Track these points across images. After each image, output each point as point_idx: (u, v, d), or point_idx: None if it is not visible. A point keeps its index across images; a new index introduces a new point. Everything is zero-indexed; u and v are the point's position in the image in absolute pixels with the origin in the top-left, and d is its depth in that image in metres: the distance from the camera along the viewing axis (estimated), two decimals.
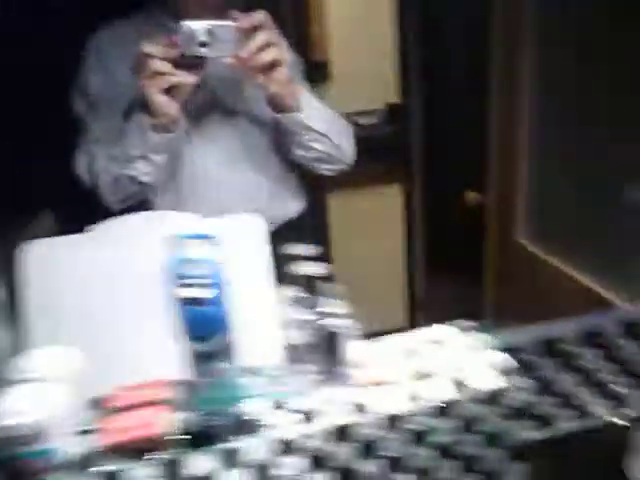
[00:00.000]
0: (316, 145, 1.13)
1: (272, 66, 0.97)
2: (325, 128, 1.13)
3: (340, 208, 2.47)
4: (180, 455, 0.60)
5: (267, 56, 0.95)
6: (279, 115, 1.08)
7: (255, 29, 0.93)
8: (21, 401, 0.61)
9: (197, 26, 0.89)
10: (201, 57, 0.91)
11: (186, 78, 0.93)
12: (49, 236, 0.82)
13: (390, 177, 2.53)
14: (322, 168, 1.20)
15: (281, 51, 0.97)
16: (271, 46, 0.95)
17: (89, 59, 1.11)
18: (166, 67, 0.92)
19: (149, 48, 0.92)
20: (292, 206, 1.28)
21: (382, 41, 2.31)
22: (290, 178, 1.27)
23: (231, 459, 0.60)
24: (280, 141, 1.18)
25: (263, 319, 0.81)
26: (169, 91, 0.93)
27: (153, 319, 0.78)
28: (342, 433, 0.62)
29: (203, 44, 0.89)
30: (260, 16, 0.95)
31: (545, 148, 1.59)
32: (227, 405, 0.66)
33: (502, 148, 1.83)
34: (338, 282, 0.77)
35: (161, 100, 0.94)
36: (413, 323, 2.65)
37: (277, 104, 1.05)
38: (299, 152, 1.15)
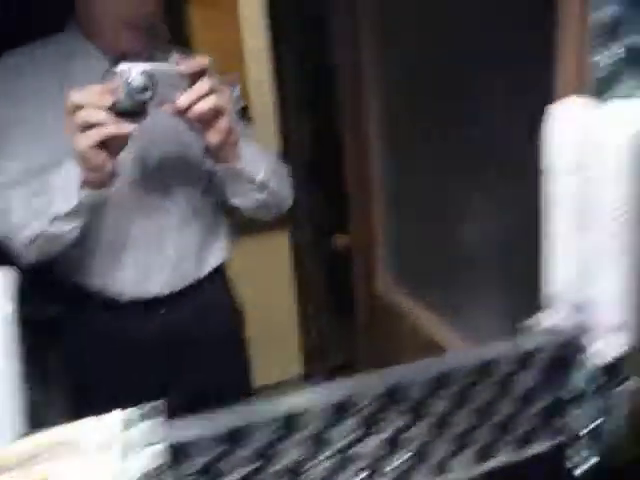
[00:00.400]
0: (256, 195, 1.08)
1: (215, 115, 0.89)
2: (266, 177, 1.07)
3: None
4: None
5: (210, 104, 0.87)
6: (218, 166, 1.01)
7: (198, 74, 0.86)
8: None
9: (136, 69, 0.79)
10: (140, 104, 0.80)
11: (123, 128, 0.81)
12: None
13: (276, 221, 2.48)
14: (259, 215, 1.17)
15: (224, 99, 0.90)
16: (214, 93, 0.87)
17: None
18: (100, 117, 0.79)
19: (79, 97, 0.79)
20: (220, 255, 1.22)
21: None
22: (222, 225, 1.23)
23: None
24: (215, 190, 1.12)
25: None
26: (103, 143, 0.81)
27: None
28: None
29: (143, 89, 0.79)
30: (204, 60, 0.88)
31: (398, 194, 1.61)
32: None
33: (358, 192, 1.87)
34: None
35: (94, 154, 0.81)
36: (309, 372, 2.57)
37: (218, 155, 0.98)
38: (236, 201, 1.09)
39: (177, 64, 0.86)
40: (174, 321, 1.14)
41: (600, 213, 0.70)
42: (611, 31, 0.73)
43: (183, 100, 0.86)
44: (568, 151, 0.73)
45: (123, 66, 0.79)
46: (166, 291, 1.12)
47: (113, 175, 0.87)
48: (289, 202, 1.21)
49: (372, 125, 1.71)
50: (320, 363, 2.60)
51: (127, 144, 0.85)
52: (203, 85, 0.87)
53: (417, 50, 1.30)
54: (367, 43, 1.61)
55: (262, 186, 1.07)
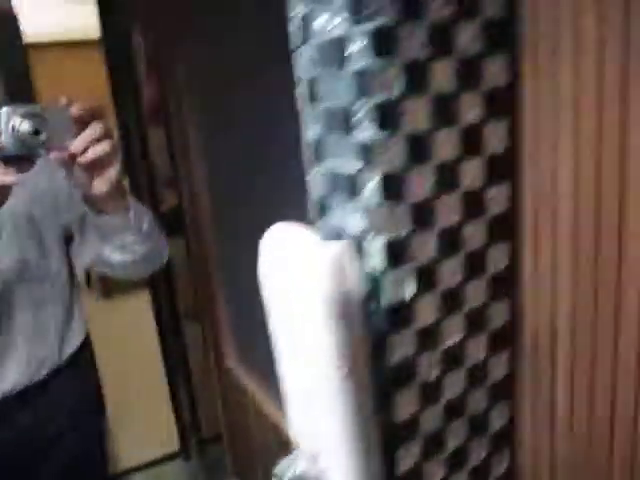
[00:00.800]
0: (139, 247, 1.04)
1: (107, 162, 0.86)
2: (150, 227, 1.04)
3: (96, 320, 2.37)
4: None
5: (105, 149, 0.83)
6: (100, 219, 0.95)
7: (87, 118, 0.81)
8: None
9: (23, 111, 0.72)
10: (29, 150, 0.73)
11: (7, 177, 0.75)
12: None
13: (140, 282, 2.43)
14: (137, 271, 1.11)
15: (115, 146, 0.86)
16: (106, 139, 0.84)
17: None
18: None
19: None
20: (78, 338, 1.17)
21: None
22: (78, 305, 1.18)
23: None
24: (81, 252, 1.09)
25: None
26: None
27: None
28: None
29: (32, 133, 0.72)
30: (93, 103, 0.85)
31: (231, 273, 1.70)
32: None
33: (199, 273, 1.96)
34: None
35: None
36: (186, 447, 2.54)
37: (105, 205, 0.93)
38: (116, 257, 1.04)
39: (66, 106, 0.79)
40: (28, 419, 1.06)
41: (312, 353, 0.67)
42: (316, 153, 0.72)
43: (78, 144, 0.79)
44: (278, 281, 0.71)
45: (7, 109, 0.72)
46: (20, 387, 1.04)
47: None
48: (166, 255, 1.16)
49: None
50: (194, 436, 2.51)
51: (7, 198, 0.79)
52: (97, 128, 0.81)
53: None
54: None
55: (146, 237, 1.04)
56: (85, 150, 0.80)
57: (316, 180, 0.80)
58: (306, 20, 0.72)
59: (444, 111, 0.69)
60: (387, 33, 0.63)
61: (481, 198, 0.74)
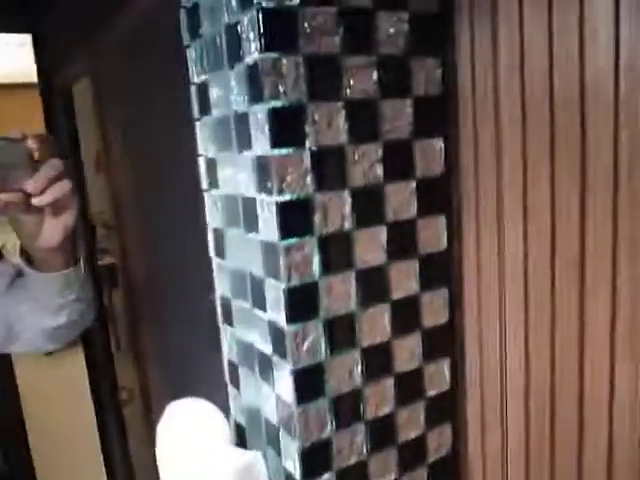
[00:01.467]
0: (77, 305, 0.86)
1: (64, 206, 0.71)
2: (86, 283, 0.88)
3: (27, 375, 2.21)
4: None
5: (64, 190, 0.68)
6: (44, 275, 0.78)
7: (45, 153, 0.67)
8: None
9: None
10: None
11: None
12: None
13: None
14: (69, 337, 0.93)
15: (73, 187, 0.71)
16: (65, 178, 0.69)
17: None
18: None
19: None
20: None
21: None
22: None
23: None
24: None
25: None
26: None
27: None
28: None
29: None
30: (51, 137, 0.72)
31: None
32: None
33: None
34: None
35: None
36: None
37: (51, 259, 0.77)
38: (47, 322, 0.86)
39: (20, 139, 0.65)
40: None
41: None
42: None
43: (37, 184, 0.65)
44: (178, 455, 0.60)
45: None
46: None
47: None
48: (95, 311, 0.98)
49: None
50: None
51: None
52: (56, 165, 0.67)
53: None
54: None
55: (87, 292, 0.88)
56: (42, 191, 0.66)
57: (231, 347, 0.68)
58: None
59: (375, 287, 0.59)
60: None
61: (419, 378, 0.64)
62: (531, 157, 0.56)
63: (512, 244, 0.59)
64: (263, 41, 0.51)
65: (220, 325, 0.71)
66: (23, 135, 0.66)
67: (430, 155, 0.61)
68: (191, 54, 0.66)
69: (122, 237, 1.83)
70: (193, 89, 0.67)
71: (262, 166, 0.54)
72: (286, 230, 0.54)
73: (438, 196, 0.63)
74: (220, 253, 0.68)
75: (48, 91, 2.39)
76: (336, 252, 0.57)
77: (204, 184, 0.69)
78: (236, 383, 0.69)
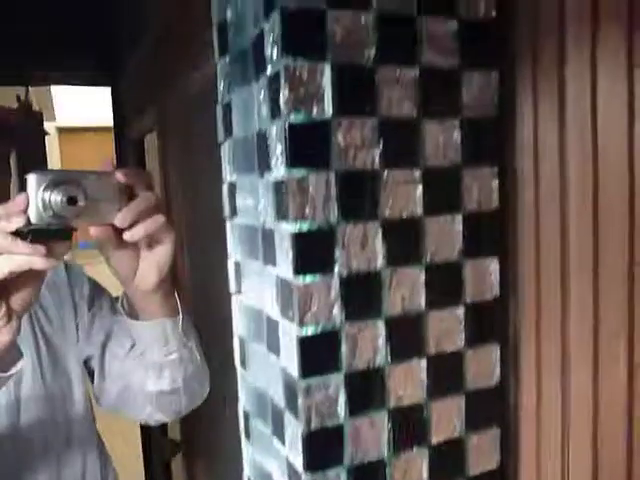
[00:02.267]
0: (179, 370, 0.77)
1: (158, 242, 0.65)
2: (196, 339, 0.80)
3: None
4: None
5: (155, 225, 0.62)
6: (141, 324, 0.73)
7: (137, 187, 0.62)
8: None
9: (53, 176, 0.55)
10: (64, 223, 0.56)
11: (38, 259, 0.56)
12: None
13: None
14: (176, 408, 0.83)
15: (168, 222, 0.65)
16: (159, 212, 0.63)
17: None
18: (4, 243, 0.55)
19: None
20: None
21: None
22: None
23: None
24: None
25: None
26: (3, 291, 0.57)
27: None
28: None
29: (68, 203, 0.55)
30: (145, 172, 0.67)
31: None
32: None
33: None
34: None
35: None
36: None
37: (148, 304, 0.71)
38: (149, 386, 0.79)
39: (109, 172, 0.60)
40: None
41: None
42: None
43: (126, 215, 0.59)
44: None
45: (36, 174, 0.55)
46: None
47: (12, 344, 0.59)
48: (208, 384, 0.87)
49: None
50: None
51: (41, 286, 0.60)
52: (149, 198, 0.61)
53: None
54: None
55: (190, 354, 0.78)
56: (133, 225, 0.62)
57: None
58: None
59: None
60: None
61: None
62: (604, 284, 0.47)
63: (581, 385, 0.50)
64: (289, 156, 0.45)
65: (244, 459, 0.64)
66: (114, 169, 0.62)
67: (482, 277, 0.53)
68: (225, 148, 0.61)
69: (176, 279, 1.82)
70: (225, 187, 0.62)
71: (285, 291, 0.48)
72: (307, 367, 0.47)
73: (491, 324, 0.54)
74: (244, 365, 0.62)
75: (122, 139, 2.48)
76: (366, 390, 0.49)
77: (232, 287, 0.63)
78: None
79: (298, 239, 0.46)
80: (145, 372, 0.78)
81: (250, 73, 0.52)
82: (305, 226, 0.46)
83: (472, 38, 0.50)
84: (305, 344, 0.47)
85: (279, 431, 0.52)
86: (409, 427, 0.51)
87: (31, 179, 0.55)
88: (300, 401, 0.47)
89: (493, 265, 0.53)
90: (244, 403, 0.63)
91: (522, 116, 0.53)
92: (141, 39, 1.78)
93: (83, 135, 4.36)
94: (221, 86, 0.60)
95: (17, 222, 0.55)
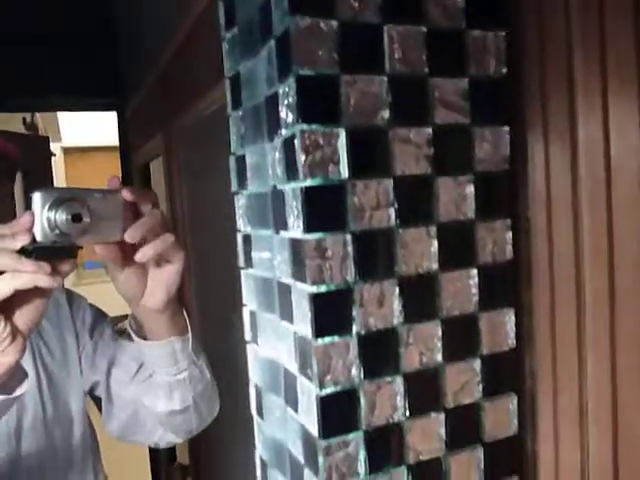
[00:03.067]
0: (189, 389, 0.76)
1: (167, 261, 0.65)
2: (204, 358, 0.78)
3: None
4: None
5: (163, 244, 0.62)
6: (149, 345, 0.72)
7: (143, 205, 0.62)
8: None
9: (57, 194, 0.55)
10: (68, 242, 0.56)
11: (43, 279, 0.55)
12: None
13: None
14: (187, 427, 0.82)
15: (175, 241, 0.64)
16: (167, 231, 0.63)
17: None
18: (8, 261, 0.55)
19: None
20: None
21: None
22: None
23: None
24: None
25: None
26: (8, 310, 0.57)
27: None
28: None
29: (72, 220, 0.55)
30: (151, 192, 0.65)
31: None
32: None
33: None
34: None
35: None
36: None
37: (156, 325, 0.70)
38: (159, 406, 0.78)
39: (114, 190, 0.59)
40: None
41: None
42: None
43: (134, 232, 0.59)
44: None
45: (41, 192, 0.54)
46: None
47: (17, 365, 0.58)
48: (218, 403, 0.86)
49: None
50: None
51: (46, 305, 0.59)
52: (157, 216, 0.61)
53: None
54: None
55: (200, 373, 0.77)
56: (143, 244, 0.61)
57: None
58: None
59: None
60: None
61: None
62: (620, 335, 0.48)
63: (599, 434, 0.50)
64: (306, 218, 0.46)
65: None
66: (120, 187, 0.61)
67: (498, 329, 0.53)
68: (239, 200, 0.62)
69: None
70: (239, 237, 0.63)
71: (304, 350, 0.49)
72: (327, 427, 0.47)
73: (508, 375, 0.54)
74: (260, 414, 0.62)
75: (128, 163, 2.50)
76: (385, 446, 0.49)
77: (247, 335, 0.64)
78: None
79: (317, 300, 0.46)
80: (155, 393, 0.78)
81: (264, 131, 0.53)
82: (323, 287, 0.46)
83: (483, 95, 0.51)
84: (325, 404, 0.47)
85: None
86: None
87: (36, 197, 0.55)
88: (320, 460, 0.47)
89: (509, 316, 0.54)
90: (261, 452, 0.63)
91: (534, 168, 0.54)
92: (149, 67, 1.80)
93: (88, 155, 4.39)
94: (234, 138, 0.61)
95: (22, 240, 0.55)
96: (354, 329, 0.48)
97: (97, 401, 0.92)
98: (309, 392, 0.48)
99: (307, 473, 0.51)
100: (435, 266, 0.50)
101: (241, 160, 0.60)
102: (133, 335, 0.75)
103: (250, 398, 0.65)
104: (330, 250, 0.47)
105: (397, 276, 0.49)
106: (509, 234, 0.53)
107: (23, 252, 0.55)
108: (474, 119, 0.51)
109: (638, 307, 0.46)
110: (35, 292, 0.57)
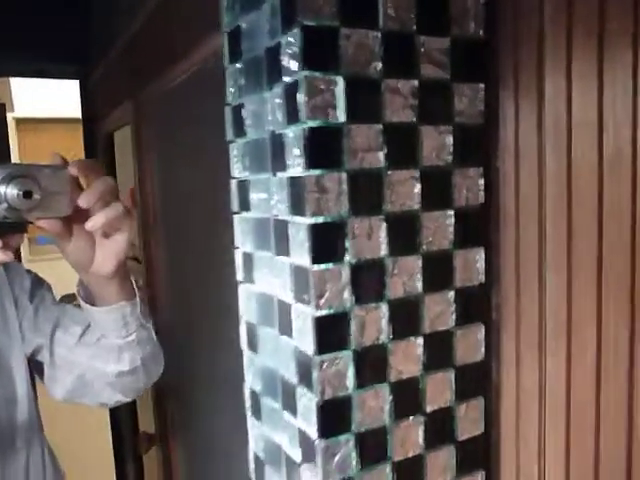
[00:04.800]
0: (137, 350, 0.80)
1: (116, 229, 0.67)
2: (150, 318, 0.82)
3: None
4: None
5: (115, 212, 0.64)
6: (99, 310, 0.75)
7: (90, 178, 0.64)
8: None
9: (7, 171, 0.57)
10: (19, 217, 0.59)
11: None
12: None
13: None
14: (134, 386, 0.85)
15: (125, 209, 0.67)
16: (116, 201, 0.65)
17: None
18: None
19: None
20: None
21: None
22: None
23: None
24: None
25: None
26: None
27: None
28: None
29: (20, 196, 0.57)
30: (96, 162, 0.68)
31: None
32: None
33: None
34: None
35: None
36: None
37: (105, 291, 0.73)
38: (109, 367, 0.81)
39: (61, 165, 0.62)
40: None
41: None
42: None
43: (88, 197, 0.61)
44: None
45: None
46: None
47: None
48: (162, 361, 0.90)
49: None
50: None
51: None
52: (107, 183, 0.64)
53: None
54: None
55: (148, 333, 0.81)
56: (92, 213, 0.63)
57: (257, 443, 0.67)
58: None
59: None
60: None
61: None
62: (576, 273, 0.55)
63: (556, 364, 0.57)
64: (308, 157, 0.51)
65: (249, 425, 0.70)
66: (64, 161, 0.64)
67: (470, 265, 0.60)
68: (233, 149, 0.66)
69: (149, 271, 1.84)
70: (234, 184, 0.67)
71: (300, 278, 0.54)
72: (321, 344, 0.53)
73: (477, 307, 0.61)
74: (253, 348, 0.67)
75: (90, 134, 2.47)
76: (371, 365, 0.56)
77: (239, 276, 0.69)
78: None
79: (314, 230, 0.52)
80: (104, 355, 0.81)
81: (263, 81, 0.58)
82: (321, 219, 0.52)
83: (462, 54, 0.57)
84: (319, 324, 0.53)
85: (291, 405, 0.58)
86: (408, 398, 0.58)
87: None
88: (315, 375, 0.53)
89: (479, 255, 0.61)
90: (251, 384, 0.68)
91: (505, 122, 0.60)
92: (118, 33, 1.79)
93: (43, 127, 4.27)
94: (231, 89, 0.65)
95: None
96: (346, 258, 0.53)
97: (38, 369, 0.93)
98: (304, 315, 0.54)
99: (300, 391, 0.56)
100: (417, 206, 0.56)
101: (237, 110, 0.64)
102: (82, 302, 0.78)
103: (240, 337, 0.70)
104: (327, 186, 0.52)
105: (384, 213, 0.55)
106: (481, 180, 0.60)
107: None
108: (454, 75, 0.57)
109: (592, 240, 0.53)
110: None
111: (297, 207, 0.53)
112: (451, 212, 0.58)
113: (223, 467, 1.33)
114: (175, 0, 1.30)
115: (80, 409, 1.05)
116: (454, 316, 0.59)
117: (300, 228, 0.53)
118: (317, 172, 0.51)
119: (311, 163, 0.51)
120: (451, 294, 0.59)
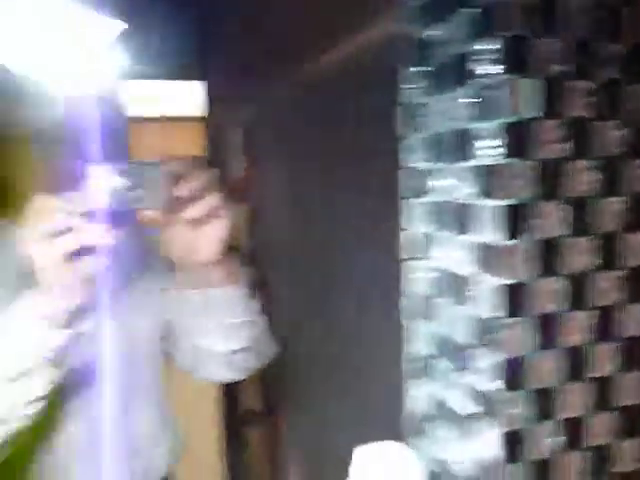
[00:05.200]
0: (246, 331, 0.85)
1: (215, 217, 0.73)
2: (258, 301, 0.87)
3: None
4: None
5: (210, 203, 0.70)
6: (204, 293, 0.80)
7: (189, 173, 0.70)
8: None
9: (117, 168, 0.66)
10: (125, 209, 0.67)
11: (103, 237, 0.65)
12: None
13: None
14: (245, 365, 0.90)
15: (223, 198, 0.72)
16: (214, 191, 0.71)
17: None
18: (74, 222, 0.64)
19: (45, 202, 0.66)
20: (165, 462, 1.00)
21: None
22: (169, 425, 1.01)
23: None
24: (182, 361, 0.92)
25: None
26: (73, 261, 0.66)
27: None
28: None
29: (128, 190, 0.66)
30: (198, 158, 0.76)
31: None
32: None
33: None
34: None
35: (63, 272, 0.65)
36: None
37: (209, 276, 0.78)
38: (218, 347, 0.86)
39: (162, 163, 0.69)
40: None
41: None
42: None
43: (183, 190, 0.69)
44: None
45: (103, 166, 0.66)
46: None
47: (84, 311, 0.68)
48: (274, 343, 0.94)
49: None
50: None
51: (106, 263, 0.67)
52: (203, 177, 0.70)
53: None
54: None
55: (256, 315, 0.87)
56: (189, 203, 0.70)
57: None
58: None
59: None
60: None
61: None
62: None
63: None
64: (505, 147, 0.59)
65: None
66: (163, 158, 0.70)
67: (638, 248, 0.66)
68: (409, 141, 0.76)
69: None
70: (405, 172, 0.77)
71: (488, 253, 0.62)
72: (505, 310, 0.61)
73: None
74: (424, 316, 0.76)
75: (207, 131, 2.65)
76: (544, 331, 0.63)
77: (406, 254, 0.78)
78: None
79: (508, 211, 0.60)
80: (214, 336, 0.85)
81: (449, 82, 0.67)
82: (513, 200, 0.60)
83: (633, 57, 0.64)
84: (505, 293, 0.61)
85: (467, 365, 0.67)
86: (575, 363, 0.65)
87: (98, 170, 0.67)
88: (498, 336, 0.61)
89: None
90: (422, 348, 0.77)
91: None
92: (237, 33, 1.91)
93: (153, 125, 4.57)
94: (408, 90, 0.75)
95: (85, 206, 0.65)
96: (530, 236, 0.61)
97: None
98: (488, 284, 0.62)
99: (480, 351, 0.65)
100: (593, 192, 0.63)
101: (413, 108, 0.73)
102: (188, 288, 0.82)
103: (402, 309, 0.79)
104: (517, 173, 0.60)
105: (563, 198, 0.62)
106: None
107: (88, 215, 0.66)
108: (626, 77, 0.63)
109: None
110: (93, 250, 0.66)
111: (488, 191, 0.62)
112: (622, 199, 0.65)
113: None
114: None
115: (189, 384, 1.10)
116: (617, 291, 0.66)
117: (490, 210, 0.61)
118: (508, 160, 0.60)
119: (507, 152, 0.59)
120: (619, 273, 0.66)
